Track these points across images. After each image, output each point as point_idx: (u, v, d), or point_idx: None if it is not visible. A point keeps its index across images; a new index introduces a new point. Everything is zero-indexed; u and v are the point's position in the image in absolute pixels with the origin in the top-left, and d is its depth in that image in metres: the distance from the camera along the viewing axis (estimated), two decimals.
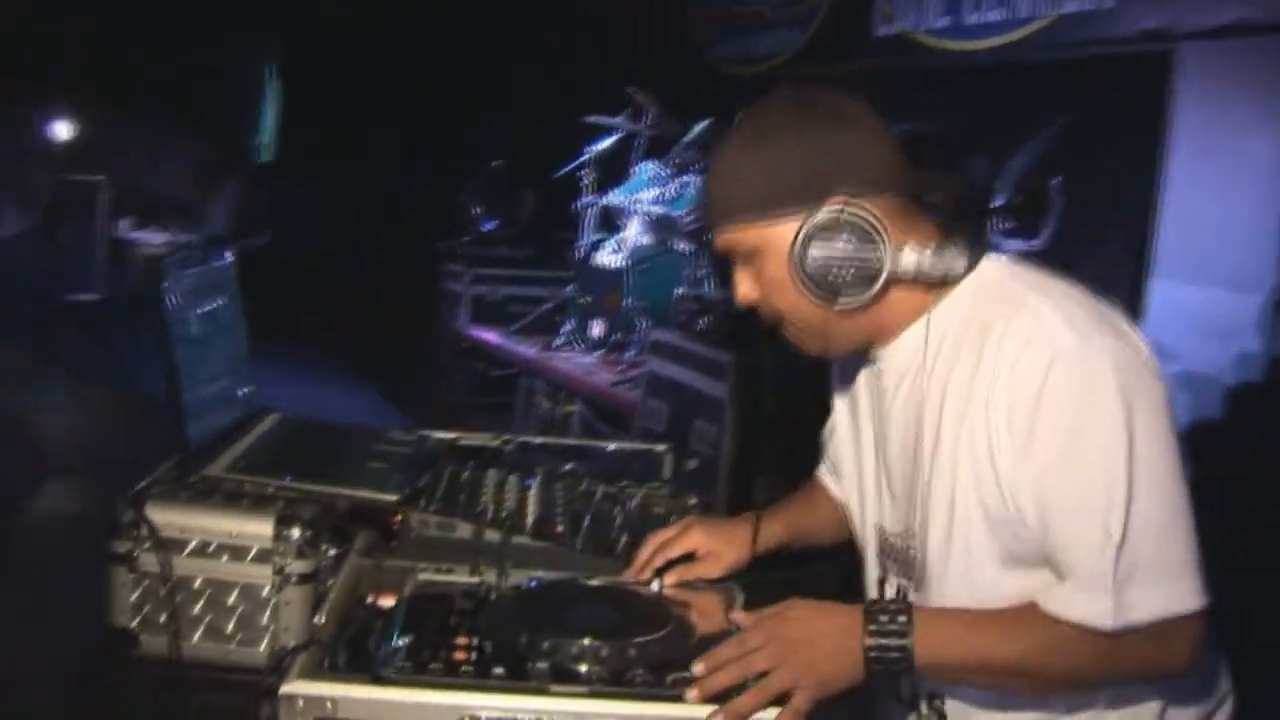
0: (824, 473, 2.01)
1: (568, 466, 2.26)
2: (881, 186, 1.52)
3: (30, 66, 10.91)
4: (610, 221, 7.32)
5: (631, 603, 1.59)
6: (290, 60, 13.41)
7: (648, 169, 7.01)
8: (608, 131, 7.33)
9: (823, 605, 1.47)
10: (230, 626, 1.66)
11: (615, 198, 7.13)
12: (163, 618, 1.65)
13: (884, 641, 1.40)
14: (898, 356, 1.61)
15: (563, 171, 7.57)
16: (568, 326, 7.11)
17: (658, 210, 6.78)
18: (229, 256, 2.13)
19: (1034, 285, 1.50)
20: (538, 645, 1.42)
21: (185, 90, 12.55)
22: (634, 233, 6.85)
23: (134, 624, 1.67)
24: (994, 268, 1.55)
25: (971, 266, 1.54)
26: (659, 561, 1.79)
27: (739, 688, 1.36)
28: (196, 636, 1.66)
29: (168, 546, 1.64)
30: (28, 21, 10.43)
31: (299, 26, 12.17)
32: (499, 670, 1.36)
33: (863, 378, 1.74)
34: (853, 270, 1.49)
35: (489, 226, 8.70)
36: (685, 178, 6.77)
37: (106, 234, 12.07)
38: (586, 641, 1.42)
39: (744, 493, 4.94)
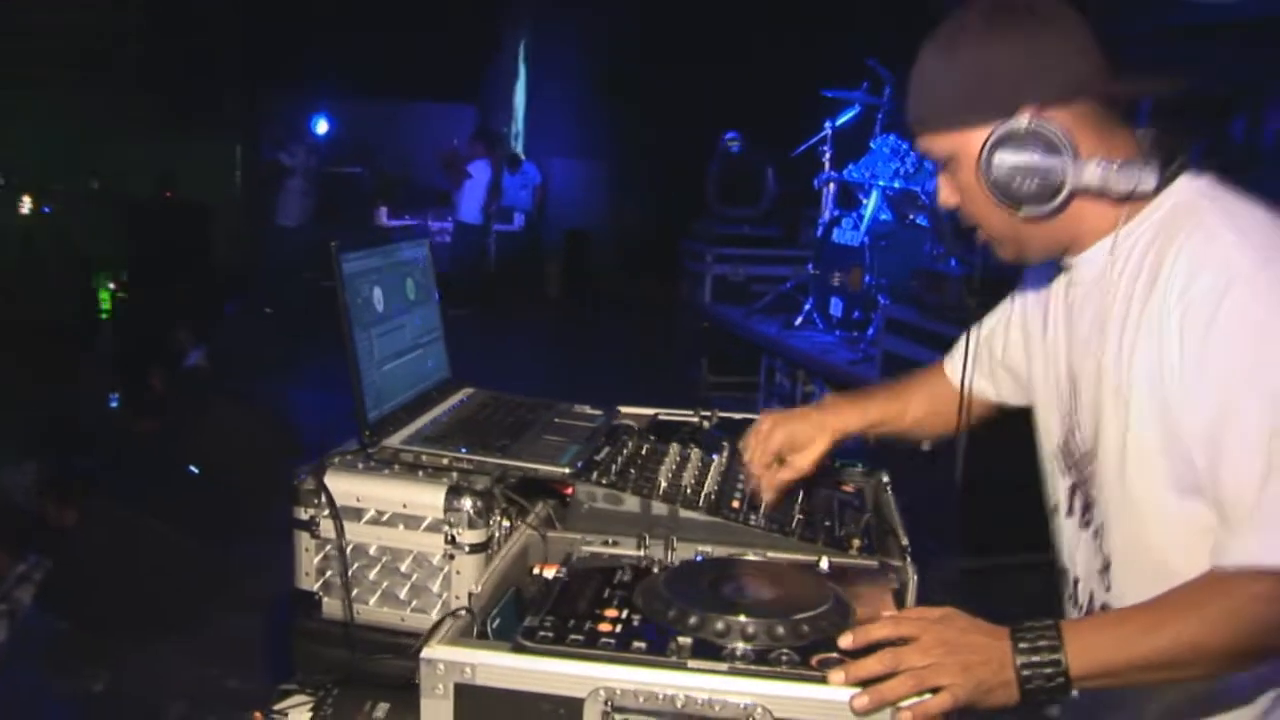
0: (948, 365, 2.04)
1: None
2: (1075, 94, 1.49)
3: (296, 67, 11.53)
4: (850, 197, 7.21)
5: (791, 581, 1.54)
6: (536, 38, 13.71)
7: (888, 143, 6.86)
8: (847, 105, 7.21)
9: (977, 620, 1.41)
10: (404, 593, 1.71)
11: (855, 173, 7.01)
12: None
13: (1035, 659, 1.34)
14: (1087, 268, 1.61)
15: (803, 148, 7.49)
16: (808, 305, 7.03)
17: (898, 185, 6.64)
18: (420, 238, 2.19)
19: (1225, 208, 1.47)
20: (685, 620, 1.40)
21: (436, 79, 12.99)
22: (874, 208, 6.72)
23: (316, 587, 1.74)
24: (1190, 186, 1.51)
25: (1166, 184, 1.50)
26: (757, 472, 1.85)
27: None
28: (373, 601, 1.72)
29: (346, 515, 1.70)
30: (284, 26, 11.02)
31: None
32: (640, 644, 1.35)
33: (1056, 286, 1.73)
34: (1036, 181, 1.49)
35: (731, 209, 8.69)
36: None
37: (367, 224, 12.69)
38: (733, 617, 1.39)
39: (983, 475, 4.80)
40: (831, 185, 7.27)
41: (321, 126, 10.29)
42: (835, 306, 6.81)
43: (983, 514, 4.76)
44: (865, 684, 1.29)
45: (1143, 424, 1.48)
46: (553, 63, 13.18)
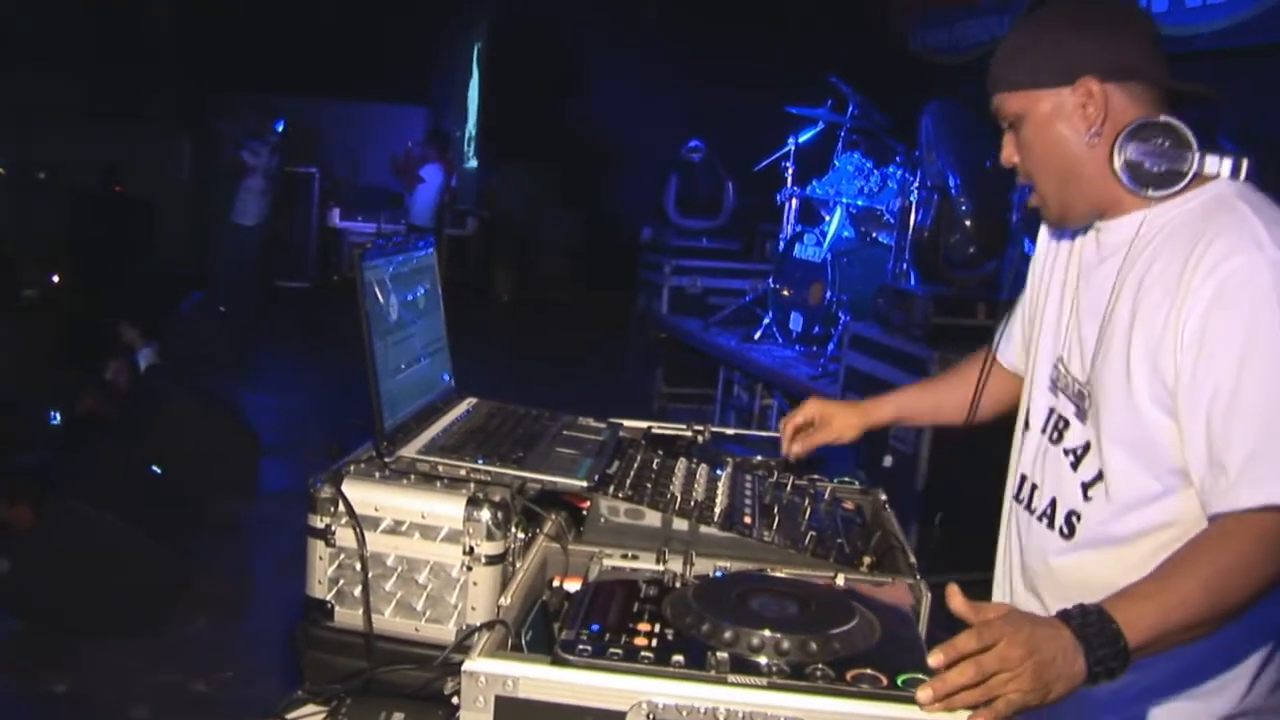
0: (1001, 346, 2.28)
1: (758, 458, 2.24)
2: (1130, 77, 1.73)
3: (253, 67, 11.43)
4: (812, 213, 7.26)
5: (817, 596, 1.56)
6: (490, 41, 13.66)
7: (851, 160, 6.91)
8: (810, 123, 7.26)
9: (1039, 624, 1.45)
10: (420, 603, 1.70)
11: (818, 190, 7.06)
12: (357, 591, 1.70)
13: (1103, 653, 1.43)
14: (1115, 233, 1.82)
15: (765, 163, 7.53)
16: (768, 319, 7.06)
17: (861, 203, 6.69)
18: (430, 245, 2.18)
19: (1259, 211, 1.65)
20: (719, 635, 1.41)
21: (389, 80, 12.93)
22: (837, 225, 6.76)
23: (330, 596, 1.73)
24: (1225, 185, 1.71)
25: (1198, 177, 1.71)
26: (790, 431, 2.24)
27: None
28: (388, 611, 1.72)
29: (362, 524, 1.69)
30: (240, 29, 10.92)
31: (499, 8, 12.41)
32: (678, 658, 1.35)
33: (1078, 240, 1.95)
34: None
35: (689, 220, 8.71)
36: (888, 169, 6.66)
37: (319, 224, 12.60)
38: (767, 633, 1.40)
39: (945, 490, 4.85)
40: (794, 201, 7.31)
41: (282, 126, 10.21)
42: (795, 321, 6.84)
43: (944, 529, 4.81)
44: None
45: (1142, 377, 1.69)
46: (507, 65, 13.14)
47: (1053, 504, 1.91)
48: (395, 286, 1.94)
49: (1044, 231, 2.08)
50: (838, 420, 2.26)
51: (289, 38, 12.58)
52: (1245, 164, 1.71)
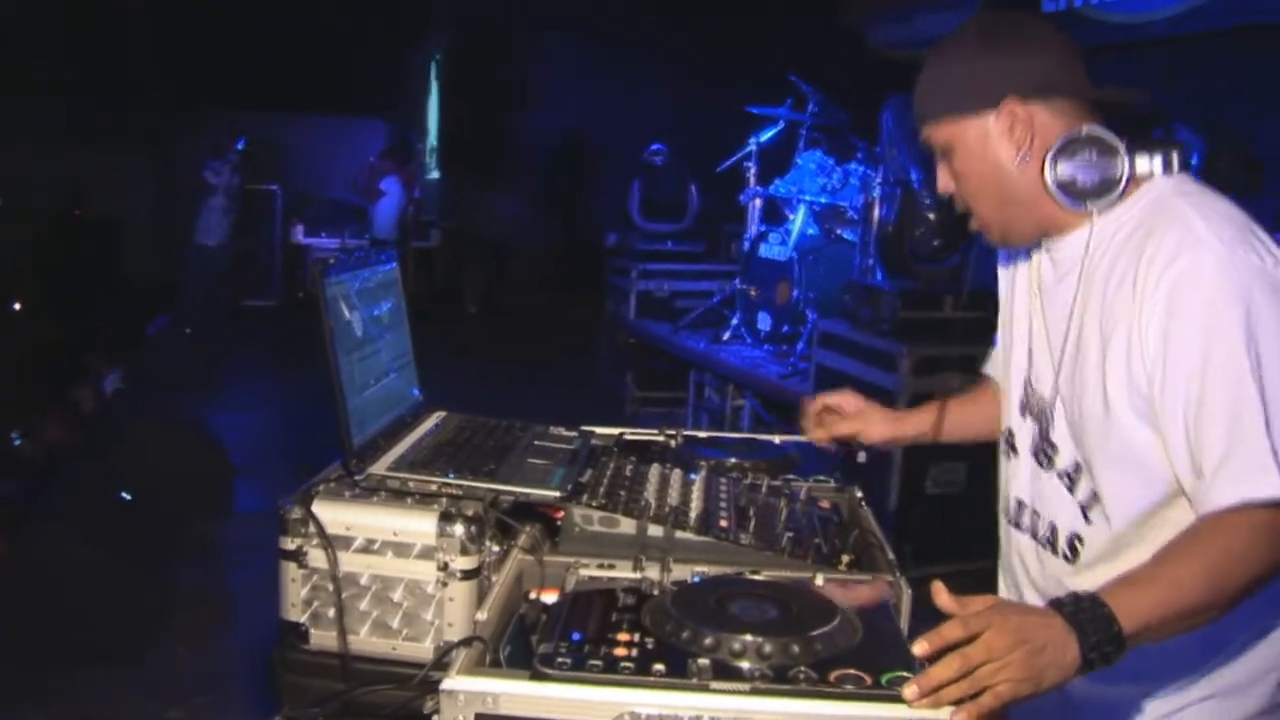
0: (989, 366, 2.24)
1: (732, 461, 2.23)
2: (1052, 92, 1.73)
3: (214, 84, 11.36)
4: (776, 212, 7.26)
5: (796, 598, 1.55)
6: (451, 51, 13.62)
7: (813, 158, 6.93)
8: (771, 122, 7.26)
9: (1029, 612, 1.45)
10: (396, 622, 1.69)
11: (781, 189, 7.07)
12: (331, 613, 1.68)
13: (1097, 639, 1.41)
14: (1067, 250, 1.81)
15: (727, 164, 7.53)
16: (736, 320, 7.06)
17: (824, 200, 6.70)
18: (393, 258, 2.16)
19: (1196, 204, 1.65)
20: (700, 641, 1.39)
21: (350, 94, 12.88)
22: (801, 224, 6.77)
23: (304, 618, 1.71)
24: (1165, 183, 1.71)
25: (1134, 180, 1.71)
26: (816, 408, 2.25)
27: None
28: (364, 631, 1.70)
29: (334, 544, 1.67)
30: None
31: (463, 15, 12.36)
32: (659, 667, 1.34)
33: (1032, 260, 1.94)
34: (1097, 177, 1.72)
35: (654, 223, 8.72)
36: (850, 166, 6.67)
37: (283, 241, 12.53)
38: (749, 637, 1.38)
39: (917, 484, 4.86)
40: (757, 201, 7.31)
41: (243, 144, 10.16)
42: (763, 321, 6.85)
43: (916, 525, 4.82)
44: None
45: (1116, 386, 1.68)
46: (468, 74, 13.10)
47: (1053, 530, 1.89)
48: (359, 301, 1.92)
49: (1003, 258, 2.07)
50: (870, 417, 2.25)
51: (250, 54, 12.51)
52: (1176, 157, 1.72)
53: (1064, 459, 1.85)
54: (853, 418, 2.25)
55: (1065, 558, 1.86)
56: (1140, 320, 1.62)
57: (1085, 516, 1.81)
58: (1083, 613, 1.42)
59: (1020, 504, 1.98)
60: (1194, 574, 1.49)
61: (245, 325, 11.52)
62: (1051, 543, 1.89)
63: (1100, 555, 1.79)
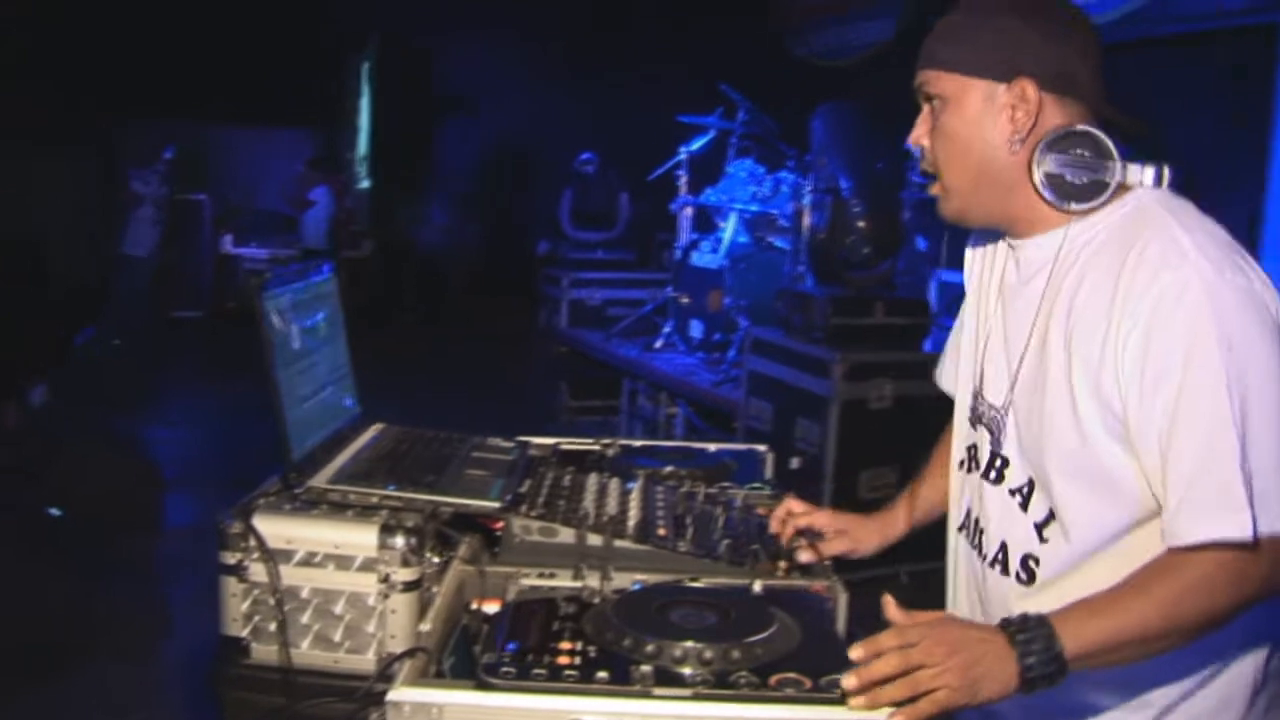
0: (942, 378, 2.09)
1: (668, 469, 2.25)
2: (1069, 91, 1.64)
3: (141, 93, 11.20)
4: (707, 221, 7.31)
5: (734, 605, 1.57)
6: (381, 59, 13.53)
7: (744, 167, 6.98)
8: (701, 131, 7.32)
9: (971, 627, 1.48)
10: (338, 635, 1.69)
11: (712, 197, 7.12)
12: (272, 627, 1.68)
13: (1034, 660, 1.41)
14: (1036, 251, 1.72)
15: (658, 172, 7.57)
16: (668, 328, 7.10)
17: (755, 209, 6.75)
18: (329, 270, 2.16)
19: (1181, 219, 1.57)
20: (641, 648, 1.41)
21: (279, 102, 12.76)
22: (732, 232, 6.83)
23: (245, 633, 1.71)
24: (1149, 195, 1.64)
25: (1121, 187, 1.63)
26: (789, 532, 1.94)
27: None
28: (305, 644, 1.69)
29: (275, 557, 1.67)
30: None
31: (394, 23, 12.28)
32: (603, 674, 1.36)
33: (997, 260, 1.86)
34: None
35: (585, 232, 8.74)
36: (781, 174, 6.74)
37: (212, 252, 12.38)
38: (690, 644, 1.41)
39: (849, 489, 4.92)
40: (688, 209, 7.36)
41: (171, 154, 10.04)
42: (695, 329, 6.89)
43: None
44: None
45: (1084, 403, 1.58)
46: (398, 83, 13.03)
47: (1003, 548, 1.77)
48: (296, 314, 1.92)
49: (969, 255, 1.98)
50: (856, 531, 2.04)
51: (178, 63, 12.34)
52: (1168, 172, 1.65)
53: (1016, 475, 1.75)
54: (835, 537, 2.01)
55: (1019, 579, 1.74)
56: (1117, 332, 1.54)
57: (1040, 535, 1.71)
58: (1025, 632, 1.42)
59: (969, 514, 1.88)
60: (1148, 606, 1.46)
61: (174, 337, 11.38)
62: (1002, 562, 1.77)
63: (1060, 576, 1.67)
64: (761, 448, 2.46)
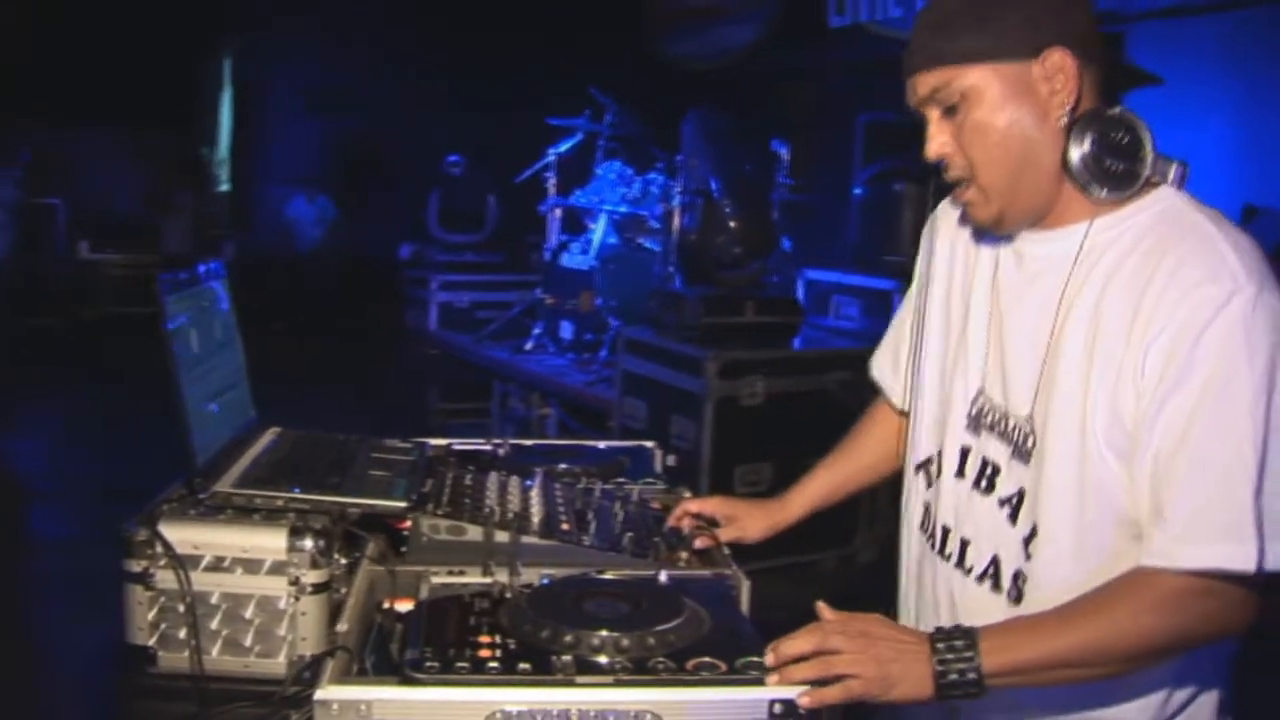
0: (878, 369, 2.05)
1: (563, 466, 2.29)
2: (1090, 60, 1.51)
3: None
4: (576, 222, 7.35)
5: (645, 594, 1.62)
6: (241, 58, 13.25)
7: (613, 169, 7.04)
8: (569, 133, 7.35)
9: (901, 627, 1.51)
10: (248, 639, 1.68)
11: (581, 199, 7.16)
12: (181, 634, 1.67)
13: (950, 655, 1.41)
14: (1050, 247, 1.60)
15: (527, 174, 7.59)
16: (538, 329, 7.12)
17: (624, 210, 6.81)
18: (223, 273, 2.15)
19: (1218, 226, 1.47)
20: (560, 639, 1.45)
21: (137, 103, 12.41)
22: (601, 233, 6.88)
23: (152, 641, 1.69)
24: (1177, 196, 1.53)
25: (1148, 185, 1.52)
26: (687, 524, 1.99)
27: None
28: (215, 650, 1.69)
29: (183, 563, 1.66)
30: None
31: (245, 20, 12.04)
32: (525, 666, 1.39)
33: (981, 253, 1.73)
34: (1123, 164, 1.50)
35: (453, 234, 8.71)
36: (650, 176, 6.81)
37: (68, 257, 11.99)
38: (605, 633, 1.45)
39: (724, 484, 5.00)
40: (557, 211, 7.39)
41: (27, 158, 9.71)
42: (566, 330, 6.92)
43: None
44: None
45: (1099, 411, 1.49)
46: (260, 83, 12.78)
47: (995, 562, 1.66)
48: (195, 317, 1.91)
49: (934, 245, 1.86)
50: (744, 520, 2.02)
51: (31, 64, 11.91)
52: (1187, 172, 1.52)
53: (1007, 484, 1.65)
54: (728, 525, 2.01)
55: (1010, 596, 1.64)
56: (1143, 339, 1.44)
57: (1026, 550, 1.61)
58: (947, 641, 1.42)
59: (946, 530, 1.76)
60: (1091, 634, 1.42)
61: (30, 346, 10.99)
62: (993, 577, 1.67)
63: (1052, 596, 1.53)
64: (650, 444, 2.53)
